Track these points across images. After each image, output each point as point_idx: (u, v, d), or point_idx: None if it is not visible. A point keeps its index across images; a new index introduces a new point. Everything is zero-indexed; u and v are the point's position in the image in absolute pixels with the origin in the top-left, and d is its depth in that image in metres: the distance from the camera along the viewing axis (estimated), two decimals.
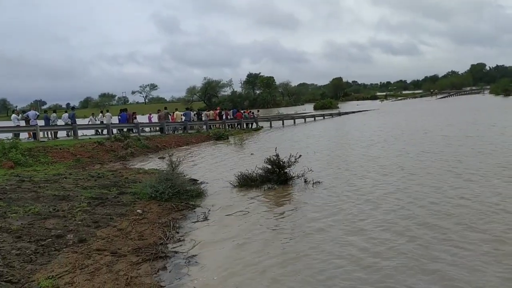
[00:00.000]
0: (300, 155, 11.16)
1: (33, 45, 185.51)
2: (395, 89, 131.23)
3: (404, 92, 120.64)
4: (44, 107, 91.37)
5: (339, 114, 48.45)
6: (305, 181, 10.85)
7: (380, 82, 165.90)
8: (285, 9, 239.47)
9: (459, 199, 8.50)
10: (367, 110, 52.07)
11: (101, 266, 5.47)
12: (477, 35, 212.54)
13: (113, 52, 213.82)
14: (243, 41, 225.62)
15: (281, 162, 10.93)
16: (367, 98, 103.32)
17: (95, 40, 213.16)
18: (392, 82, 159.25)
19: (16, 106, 42.59)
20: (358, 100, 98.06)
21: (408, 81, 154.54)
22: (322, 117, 44.84)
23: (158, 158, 17.60)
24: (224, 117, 33.06)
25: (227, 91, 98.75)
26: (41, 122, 22.44)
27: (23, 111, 27.15)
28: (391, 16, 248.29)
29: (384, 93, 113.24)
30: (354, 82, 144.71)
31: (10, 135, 19.00)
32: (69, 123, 22.72)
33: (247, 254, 6.26)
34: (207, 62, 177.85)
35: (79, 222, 7.14)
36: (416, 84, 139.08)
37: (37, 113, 23.38)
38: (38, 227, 6.74)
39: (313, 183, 10.72)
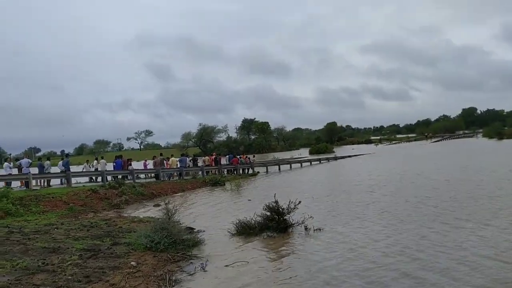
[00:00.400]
0: (300, 201, 10.90)
1: (27, 93, 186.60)
2: (389, 133, 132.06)
3: (398, 136, 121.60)
4: (39, 154, 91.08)
5: (335, 158, 48.25)
6: (306, 228, 10.52)
7: (374, 126, 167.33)
8: (276, 57, 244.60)
9: (449, 248, 8.26)
10: (362, 154, 52.05)
11: None
12: (464, 80, 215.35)
13: (108, 100, 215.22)
14: (237, 87, 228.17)
15: (280, 209, 10.65)
16: (362, 142, 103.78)
17: (90, 88, 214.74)
18: (385, 126, 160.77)
19: (10, 154, 42.32)
20: (353, 144, 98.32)
21: (401, 125, 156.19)
22: (318, 162, 44.65)
23: (154, 205, 17.19)
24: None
25: (222, 137, 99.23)
26: (34, 170, 22.07)
27: (16, 159, 26.85)
28: (381, 63, 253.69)
29: (378, 137, 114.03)
30: (348, 126, 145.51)
31: (1, 183, 18.61)
32: (63, 170, 22.36)
33: None
34: (201, 108, 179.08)
35: (69, 277, 6.73)
36: (409, 128, 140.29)
37: (30, 161, 23.08)
38: (25, 283, 6.33)
39: (314, 230, 10.41)
